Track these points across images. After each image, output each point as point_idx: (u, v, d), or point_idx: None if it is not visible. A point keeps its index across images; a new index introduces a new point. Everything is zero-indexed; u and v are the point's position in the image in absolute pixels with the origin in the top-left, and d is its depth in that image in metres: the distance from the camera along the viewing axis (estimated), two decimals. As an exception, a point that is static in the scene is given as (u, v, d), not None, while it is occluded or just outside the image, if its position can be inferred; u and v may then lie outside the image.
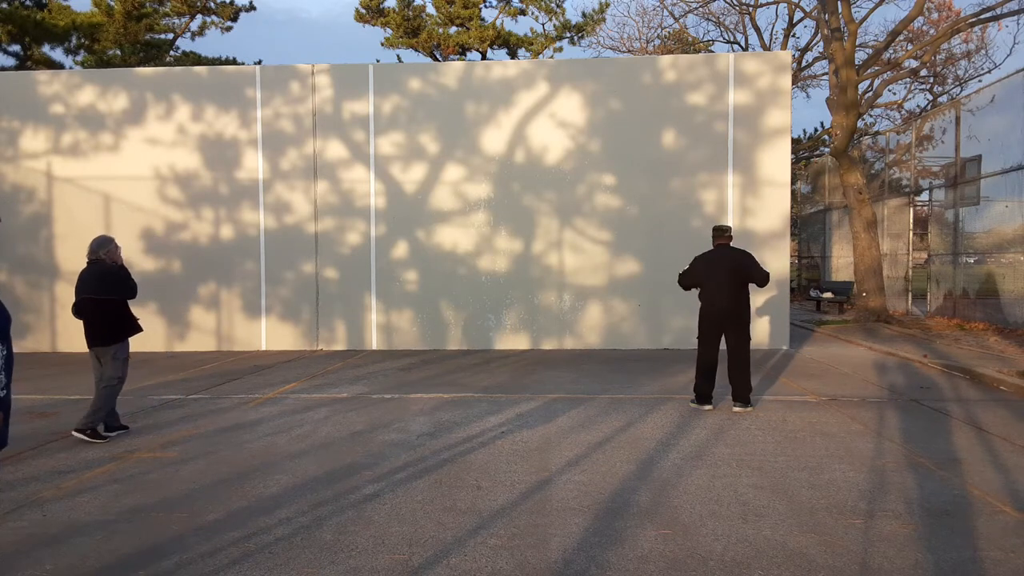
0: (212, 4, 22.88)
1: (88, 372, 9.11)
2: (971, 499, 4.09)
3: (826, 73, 24.39)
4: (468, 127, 11.06)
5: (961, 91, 24.36)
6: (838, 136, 14.20)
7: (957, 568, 3.21)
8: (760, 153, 10.75)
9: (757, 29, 25.14)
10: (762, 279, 6.39)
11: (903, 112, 26.09)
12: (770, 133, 10.73)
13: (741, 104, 10.76)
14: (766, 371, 8.58)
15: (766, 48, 25.23)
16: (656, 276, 10.85)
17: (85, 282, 5.55)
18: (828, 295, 16.98)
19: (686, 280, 6.66)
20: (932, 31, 22.33)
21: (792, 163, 16.92)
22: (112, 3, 20.87)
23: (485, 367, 9.25)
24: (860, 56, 19.85)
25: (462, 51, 24.53)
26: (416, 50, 24.89)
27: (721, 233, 6.58)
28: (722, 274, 6.40)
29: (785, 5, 23.32)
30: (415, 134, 11.07)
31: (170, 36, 23.11)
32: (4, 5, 19.59)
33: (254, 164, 11.19)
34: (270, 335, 11.20)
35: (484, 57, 24.35)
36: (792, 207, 17.18)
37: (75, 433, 5.52)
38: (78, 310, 5.60)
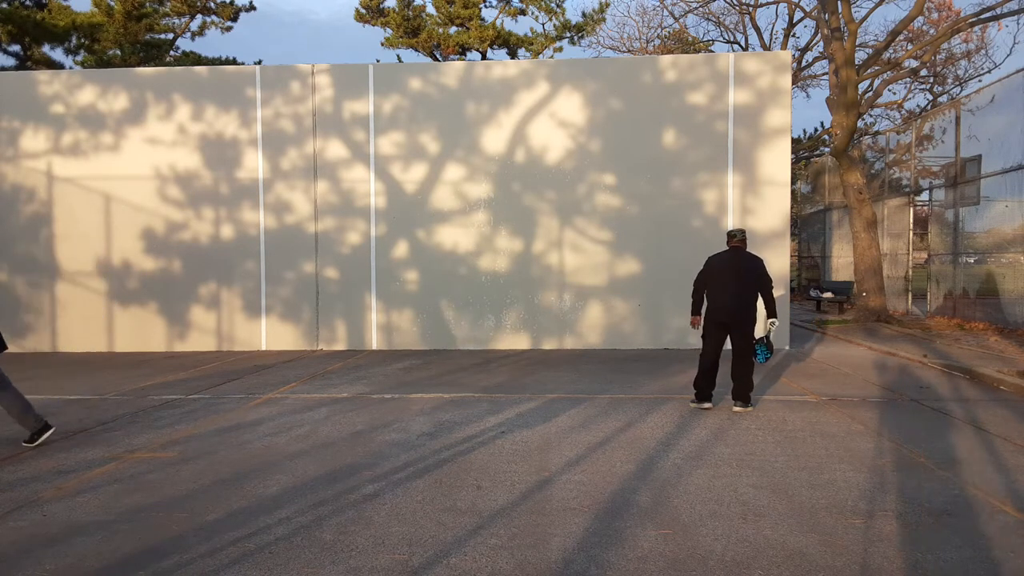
0: (212, 4, 22.88)
1: (87, 373, 9.13)
2: (971, 499, 4.09)
3: (826, 73, 24.39)
4: (468, 127, 11.06)
5: (961, 91, 24.39)
6: (838, 136, 14.20)
7: (957, 568, 3.21)
8: (760, 153, 10.75)
9: (757, 29, 25.15)
10: (769, 286, 6.49)
11: (903, 112, 26.11)
12: (770, 133, 10.73)
13: (741, 104, 10.76)
14: (766, 371, 8.58)
15: (766, 48, 25.22)
16: (656, 276, 10.86)
17: None
18: (828, 295, 16.98)
19: (698, 281, 6.65)
20: (932, 31, 22.33)
21: (792, 163, 16.92)
22: (112, 3, 20.87)
23: (485, 367, 9.25)
24: (860, 56, 19.86)
25: (462, 51, 24.52)
26: (416, 50, 24.89)
27: (732, 237, 6.61)
28: (728, 274, 6.45)
29: (785, 5, 23.33)
30: (415, 134, 11.07)
31: (170, 36, 23.10)
32: (4, 5, 19.58)
33: (254, 164, 11.19)
34: (270, 335, 11.20)
35: (484, 57, 24.34)
36: (792, 207, 17.18)
37: (25, 444, 5.39)
38: None
